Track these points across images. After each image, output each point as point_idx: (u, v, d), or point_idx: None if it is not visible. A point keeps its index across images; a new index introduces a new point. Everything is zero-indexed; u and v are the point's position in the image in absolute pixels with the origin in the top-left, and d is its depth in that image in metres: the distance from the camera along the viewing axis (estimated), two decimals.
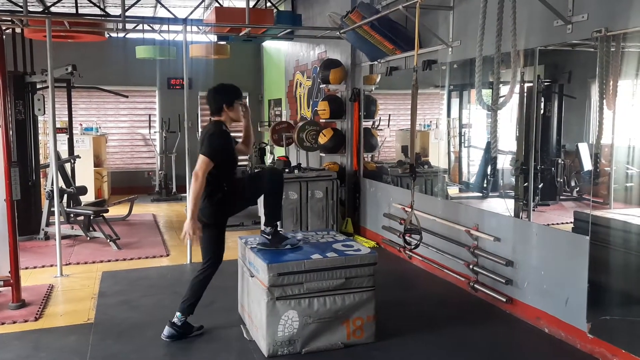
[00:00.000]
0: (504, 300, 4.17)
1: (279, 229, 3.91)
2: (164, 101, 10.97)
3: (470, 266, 4.53)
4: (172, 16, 8.69)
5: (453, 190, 5.78)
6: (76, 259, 5.90)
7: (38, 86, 6.92)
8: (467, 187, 5.81)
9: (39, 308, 4.36)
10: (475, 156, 5.71)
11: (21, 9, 5.54)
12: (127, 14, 6.25)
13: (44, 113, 6.45)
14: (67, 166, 7.47)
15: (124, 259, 5.92)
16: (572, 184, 4.73)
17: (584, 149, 4.45)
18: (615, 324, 3.51)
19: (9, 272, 4.33)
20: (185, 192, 6.03)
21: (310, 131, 7.43)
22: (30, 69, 7.08)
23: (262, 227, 3.90)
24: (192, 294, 3.79)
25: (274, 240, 3.80)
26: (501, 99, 3.59)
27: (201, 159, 3.59)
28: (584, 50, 3.81)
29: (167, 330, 3.76)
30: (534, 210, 4.24)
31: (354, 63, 6.92)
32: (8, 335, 3.89)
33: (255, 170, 4.10)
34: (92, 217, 6.68)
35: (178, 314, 3.77)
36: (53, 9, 8.26)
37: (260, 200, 3.99)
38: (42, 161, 7.42)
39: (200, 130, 10.57)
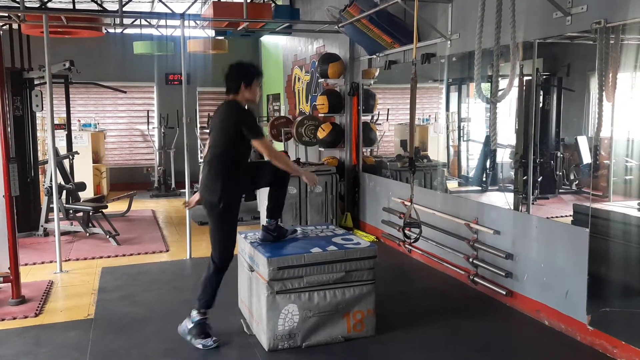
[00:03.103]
0: (504, 293, 4.18)
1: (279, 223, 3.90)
2: (162, 97, 10.94)
3: (470, 259, 4.54)
4: (169, 11, 8.64)
5: (452, 184, 5.79)
6: (76, 255, 5.89)
7: (36, 82, 6.89)
8: (467, 181, 5.82)
9: (39, 304, 4.36)
10: (475, 150, 5.71)
11: (18, 5, 5.51)
12: (124, 9, 6.22)
13: (42, 109, 6.44)
14: (66, 162, 7.45)
15: (124, 255, 5.92)
16: (572, 177, 4.73)
17: (583, 142, 4.46)
18: (616, 315, 3.52)
19: (9, 268, 4.33)
20: (184, 187, 6.03)
21: (309, 126, 7.42)
22: (28, 65, 7.05)
23: (265, 222, 3.87)
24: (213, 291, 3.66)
25: (278, 234, 3.81)
26: (500, 92, 3.58)
27: (260, 142, 3.52)
28: (583, 43, 3.81)
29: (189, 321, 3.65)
30: (533, 203, 4.25)
31: (353, 57, 6.90)
32: (8, 331, 3.89)
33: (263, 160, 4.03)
34: (91, 213, 6.68)
35: (194, 311, 3.64)
36: (50, 5, 8.22)
37: (262, 195, 3.97)
38: (40, 157, 7.41)
39: (198, 125, 10.57)
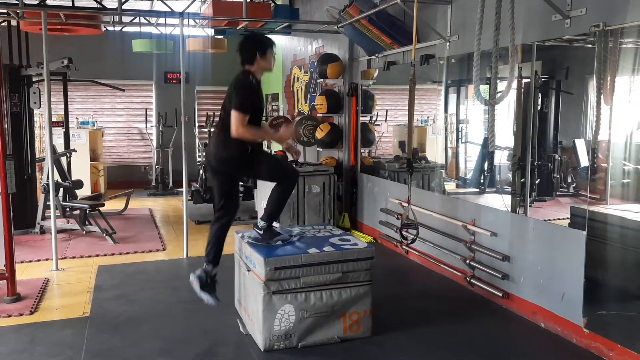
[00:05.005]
0: (501, 295, 4.18)
1: (274, 225, 3.90)
2: (161, 95, 10.93)
3: (467, 261, 4.54)
4: (169, 9, 8.64)
5: (450, 186, 5.79)
6: (72, 252, 5.88)
7: (34, 79, 6.88)
8: (464, 183, 5.81)
9: (35, 302, 4.34)
10: (473, 152, 5.71)
11: (17, 2, 5.50)
12: (123, 7, 6.22)
13: (40, 106, 6.42)
14: (63, 160, 7.44)
15: (120, 253, 5.90)
16: (569, 179, 4.73)
17: (580, 145, 4.46)
18: (611, 318, 3.52)
19: (4, 265, 4.32)
20: (181, 186, 6.02)
21: (307, 126, 7.41)
22: (26, 62, 7.03)
23: (258, 220, 3.89)
24: (214, 243, 3.83)
25: (266, 235, 3.80)
26: (498, 94, 3.58)
27: (234, 115, 3.56)
28: (582, 46, 3.81)
29: (198, 273, 3.81)
30: (530, 205, 4.24)
31: (352, 57, 6.90)
32: (3, 329, 3.88)
33: (281, 156, 4.18)
34: (88, 211, 6.66)
35: (205, 264, 3.81)
36: (49, 2, 8.20)
37: (260, 194, 3.99)
38: (37, 155, 7.39)
39: (197, 124, 10.56)
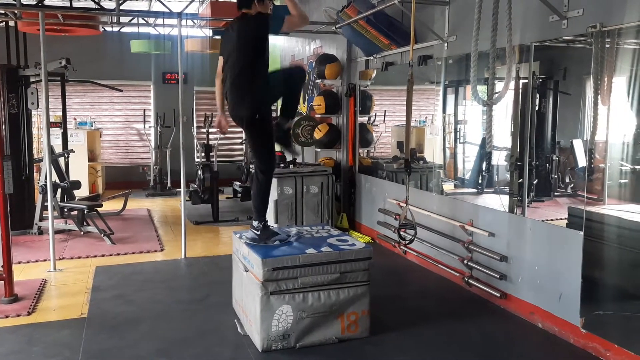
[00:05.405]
0: (498, 295, 4.18)
1: (267, 223, 3.91)
2: (159, 96, 10.91)
3: (465, 261, 4.54)
4: (167, 10, 8.64)
5: (448, 186, 5.80)
6: (70, 253, 5.87)
7: (32, 80, 6.87)
8: (462, 183, 5.83)
9: (32, 302, 4.34)
10: (471, 152, 5.73)
11: (15, 2, 5.49)
12: (121, 7, 6.21)
13: (38, 107, 6.41)
14: (61, 160, 7.43)
15: (118, 254, 5.89)
16: (567, 180, 4.75)
17: (578, 146, 4.48)
18: (609, 318, 3.53)
19: (2, 266, 4.31)
20: (179, 187, 6.02)
21: (305, 126, 7.41)
22: (24, 62, 7.03)
23: (252, 222, 3.90)
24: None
25: (263, 235, 3.81)
26: (496, 95, 3.59)
27: (289, 22, 3.83)
28: (579, 47, 3.82)
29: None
30: (528, 206, 4.26)
31: (350, 58, 6.90)
32: (0, 329, 3.87)
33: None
34: (86, 212, 6.65)
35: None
36: (47, 2, 8.19)
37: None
38: (35, 155, 7.38)
39: (195, 125, 10.55)
